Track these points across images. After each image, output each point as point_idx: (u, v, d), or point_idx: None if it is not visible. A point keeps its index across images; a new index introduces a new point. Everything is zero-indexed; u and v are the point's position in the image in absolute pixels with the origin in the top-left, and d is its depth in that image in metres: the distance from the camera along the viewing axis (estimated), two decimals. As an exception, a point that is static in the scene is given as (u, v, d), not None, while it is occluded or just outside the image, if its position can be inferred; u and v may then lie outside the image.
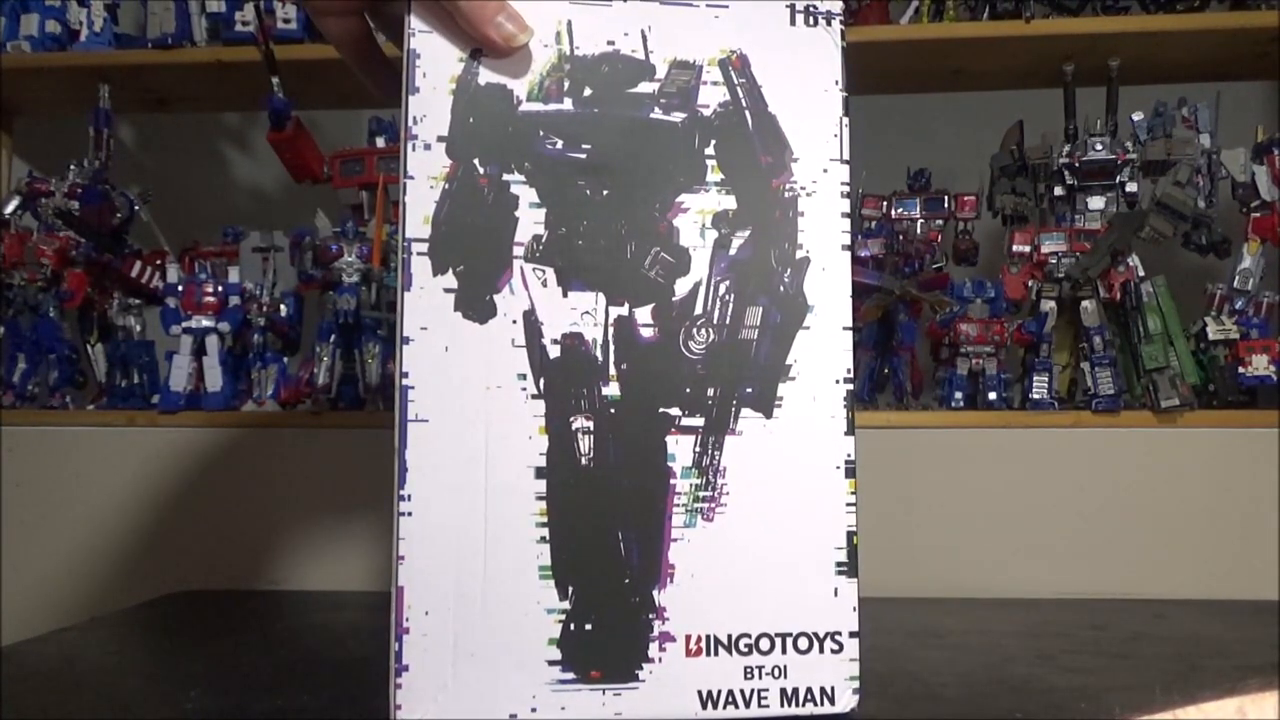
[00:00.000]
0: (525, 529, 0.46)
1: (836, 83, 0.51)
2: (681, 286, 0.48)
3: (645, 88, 0.48)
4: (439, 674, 0.45)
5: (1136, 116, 1.09)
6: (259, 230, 1.15)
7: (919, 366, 1.10)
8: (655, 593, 0.46)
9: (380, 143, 1.10)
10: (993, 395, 1.04)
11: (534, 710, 0.45)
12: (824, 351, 0.49)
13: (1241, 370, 1.02)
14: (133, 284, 1.13)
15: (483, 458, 0.46)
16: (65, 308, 1.13)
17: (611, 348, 0.47)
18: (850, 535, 0.52)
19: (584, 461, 0.46)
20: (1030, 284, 1.07)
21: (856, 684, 0.49)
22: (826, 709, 0.48)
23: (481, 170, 0.47)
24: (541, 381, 0.46)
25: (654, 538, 0.47)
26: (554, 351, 0.47)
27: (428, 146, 0.46)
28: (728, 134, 0.49)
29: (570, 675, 0.46)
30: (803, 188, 0.50)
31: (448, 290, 0.46)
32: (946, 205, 1.12)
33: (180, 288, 1.08)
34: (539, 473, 0.46)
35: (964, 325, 1.05)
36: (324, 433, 1.05)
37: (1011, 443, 1.01)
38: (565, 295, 0.47)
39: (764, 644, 0.48)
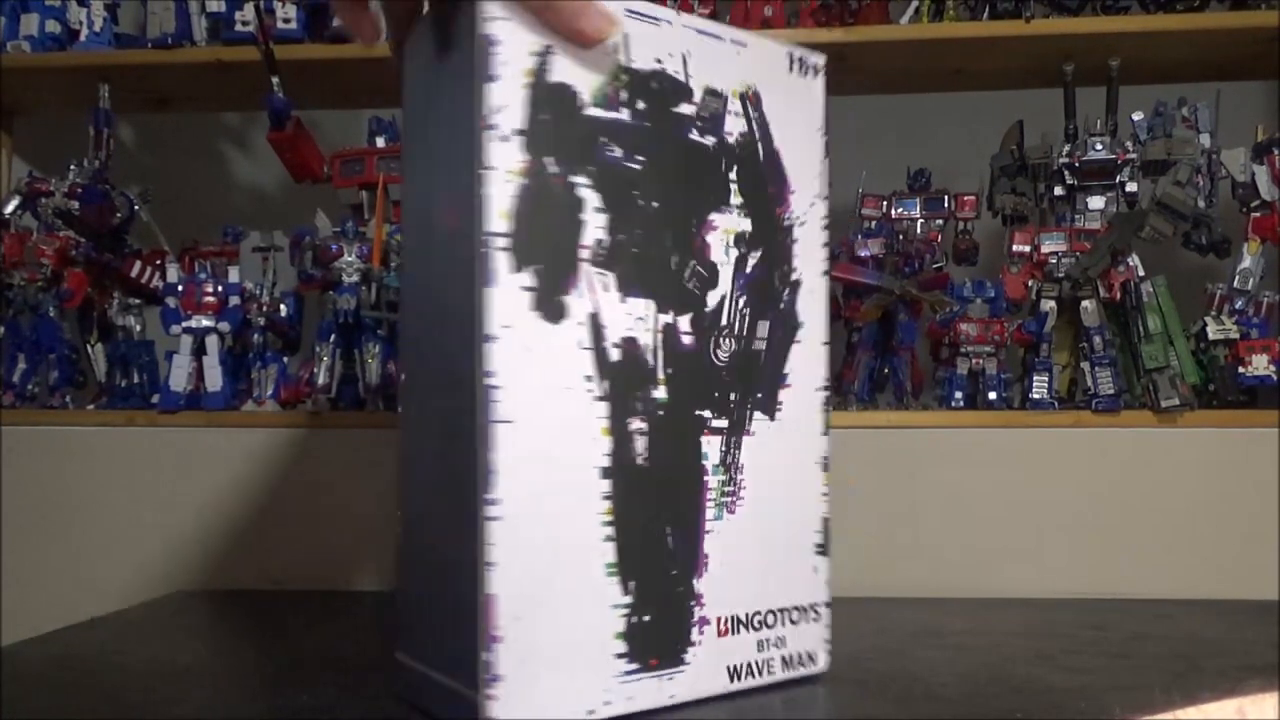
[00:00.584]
0: (594, 528, 0.47)
1: (820, 128, 0.58)
2: (711, 299, 0.53)
3: (685, 109, 0.52)
4: (529, 680, 0.45)
5: (1136, 116, 1.09)
6: (259, 230, 1.15)
7: (919, 366, 1.10)
8: (695, 581, 0.51)
9: (380, 143, 1.10)
10: (993, 395, 1.04)
11: (608, 704, 0.48)
12: (810, 363, 0.57)
13: (1241, 370, 1.02)
14: (133, 284, 1.13)
15: (559, 459, 0.46)
16: (65, 307, 1.13)
17: (660, 353, 0.51)
18: (825, 520, 0.58)
19: (640, 461, 0.49)
20: (1030, 284, 1.07)
21: (828, 646, 0.58)
22: (810, 669, 0.57)
23: (554, 170, 0.47)
24: (606, 384, 0.48)
25: (693, 531, 0.52)
26: (615, 355, 0.49)
27: (505, 139, 0.45)
28: (745, 162, 0.54)
29: (635, 666, 0.49)
30: (797, 218, 0.57)
31: (525, 289, 0.45)
32: (946, 205, 1.12)
33: (180, 287, 1.08)
34: (604, 473, 0.48)
35: (964, 325, 1.05)
36: (324, 433, 1.05)
37: (1011, 443, 1.01)
38: (624, 300, 0.49)
39: (770, 619, 0.55)
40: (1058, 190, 1.10)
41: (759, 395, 0.54)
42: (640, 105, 0.50)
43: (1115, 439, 1.01)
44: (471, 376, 0.45)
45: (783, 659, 0.56)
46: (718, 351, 0.53)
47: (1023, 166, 1.10)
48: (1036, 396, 1.03)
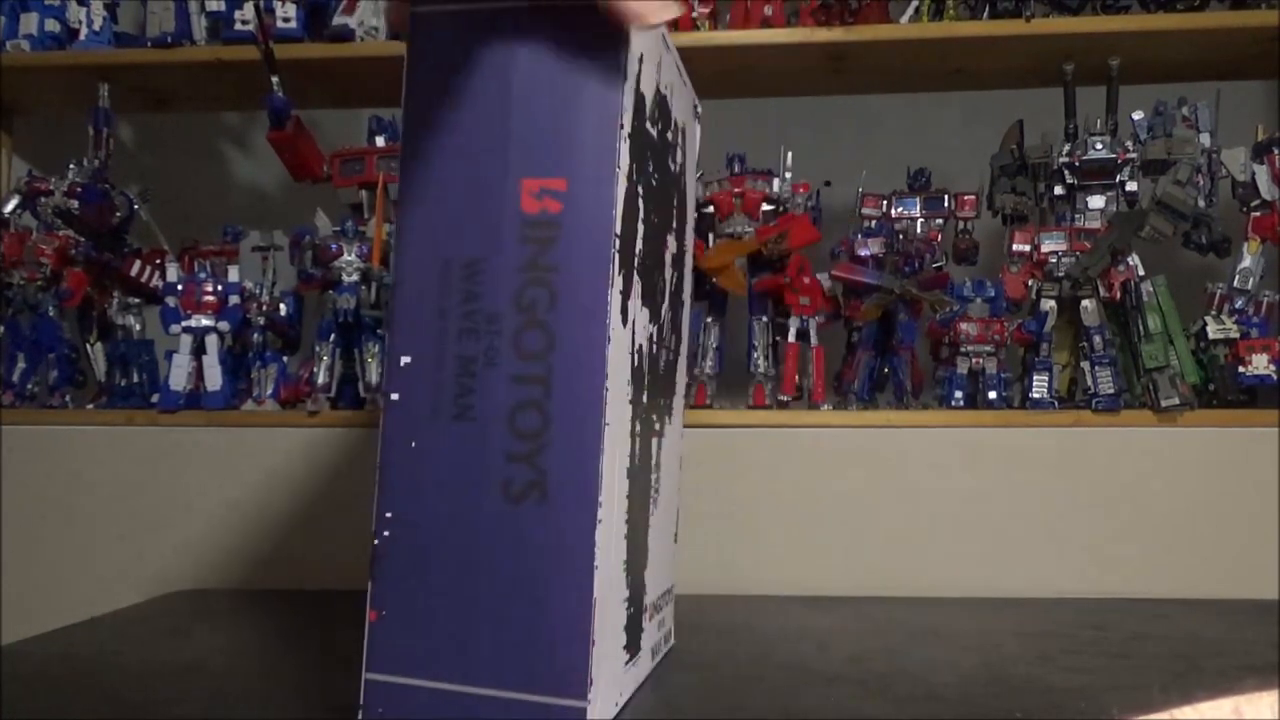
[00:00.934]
0: (620, 527, 0.49)
1: (695, 169, 0.65)
2: (664, 310, 0.56)
3: (670, 136, 0.55)
4: (601, 682, 0.46)
5: (1137, 116, 1.09)
6: (259, 229, 1.15)
7: (919, 366, 1.10)
8: (645, 572, 0.54)
9: (380, 142, 1.10)
10: (993, 395, 1.04)
11: (621, 694, 0.50)
12: (681, 373, 0.65)
13: (1241, 369, 1.02)
14: (132, 283, 1.13)
15: (619, 459, 0.48)
16: (65, 307, 1.13)
17: (648, 360, 0.53)
18: (677, 510, 0.64)
19: (637, 462, 0.52)
20: (1030, 283, 1.07)
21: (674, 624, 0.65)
22: (670, 644, 0.64)
23: (636, 178, 0.48)
24: (631, 388, 0.50)
25: (645, 525, 0.55)
26: (636, 359, 0.50)
27: (625, 141, 0.46)
28: (681, 191, 0.59)
29: (629, 656, 0.51)
30: (686, 246, 0.63)
31: (620, 292, 0.46)
32: (946, 204, 1.12)
33: (180, 287, 1.08)
34: (628, 473, 0.50)
35: (964, 325, 1.05)
36: (324, 432, 1.05)
37: (1011, 442, 1.01)
38: (643, 307, 0.51)
39: (662, 601, 0.60)
40: (1058, 190, 1.10)
41: (669, 400, 0.59)
42: (660, 125, 0.53)
43: (1115, 439, 1.01)
44: (548, 372, 0.45)
45: (664, 636, 0.63)
46: (660, 360, 0.57)
47: (1023, 166, 1.10)
48: (1036, 396, 1.03)
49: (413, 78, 0.50)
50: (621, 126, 0.46)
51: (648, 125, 0.50)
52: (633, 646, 0.53)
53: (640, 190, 0.49)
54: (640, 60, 0.48)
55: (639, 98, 0.48)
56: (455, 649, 0.46)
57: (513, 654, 0.45)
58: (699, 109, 0.66)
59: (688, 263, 0.64)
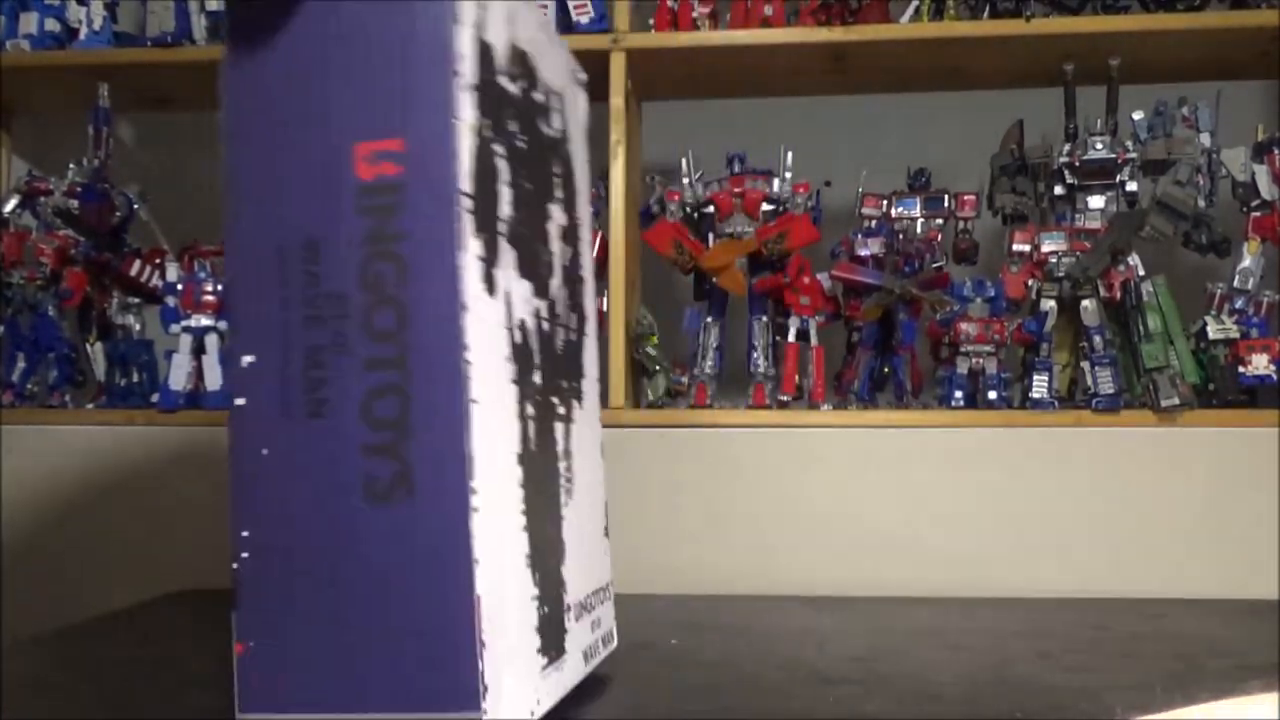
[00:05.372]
0: (516, 518, 0.44)
1: (585, 137, 0.61)
2: (552, 288, 0.52)
3: (538, 96, 0.51)
4: (501, 688, 0.40)
5: (1137, 116, 1.09)
6: (259, 229, 1.14)
7: (919, 366, 1.10)
8: (562, 568, 0.49)
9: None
10: (993, 395, 1.04)
11: (538, 703, 0.44)
12: (589, 354, 0.60)
13: (1241, 369, 1.02)
14: (132, 283, 1.13)
15: (503, 443, 0.43)
16: (64, 306, 1.13)
17: (536, 338, 0.48)
18: (606, 505, 0.58)
19: (531, 448, 0.46)
20: (1030, 283, 1.07)
21: (615, 623, 0.60)
22: (611, 647, 0.58)
23: (489, 134, 0.43)
24: (514, 367, 0.45)
25: (557, 517, 0.50)
26: (517, 336, 0.45)
27: (467, 91, 0.42)
28: (563, 159, 0.56)
29: (546, 660, 0.46)
30: (582, 219, 0.59)
31: (480, 258, 0.42)
32: (946, 204, 1.12)
33: (180, 286, 1.08)
34: (519, 459, 0.44)
35: (964, 325, 1.05)
36: (324, 432, 1.04)
37: (1011, 442, 1.01)
38: (521, 279, 0.46)
39: (593, 600, 0.55)
40: (1058, 190, 1.10)
41: (575, 383, 0.55)
42: (523, 83, 0.48)
43: (1115, 438, 1.00)
44: (403, 351, 0.40)
45: (601, 639, 0.56)
46: (556, 339, 0.52)
47: (1023, 166, 1.10)
48: (1036, 396, 1.03)
49: (231, 44, 0.46)
50: (458, 74, 0.41)
51: (502, 79, 0.46)
52: (552, 649, 0.47)
53: (499, 150, 0.45)
54: (483, 7, 0.43)
55: (483, 47, 0.43)
56: (335, 674, 0.41)
57: (398, 670, 0.40)
58: (582, 76, 0.61)
59: (585, 238, 0.59)
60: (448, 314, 0.40)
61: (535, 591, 0.45)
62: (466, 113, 0.41)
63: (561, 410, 0.51)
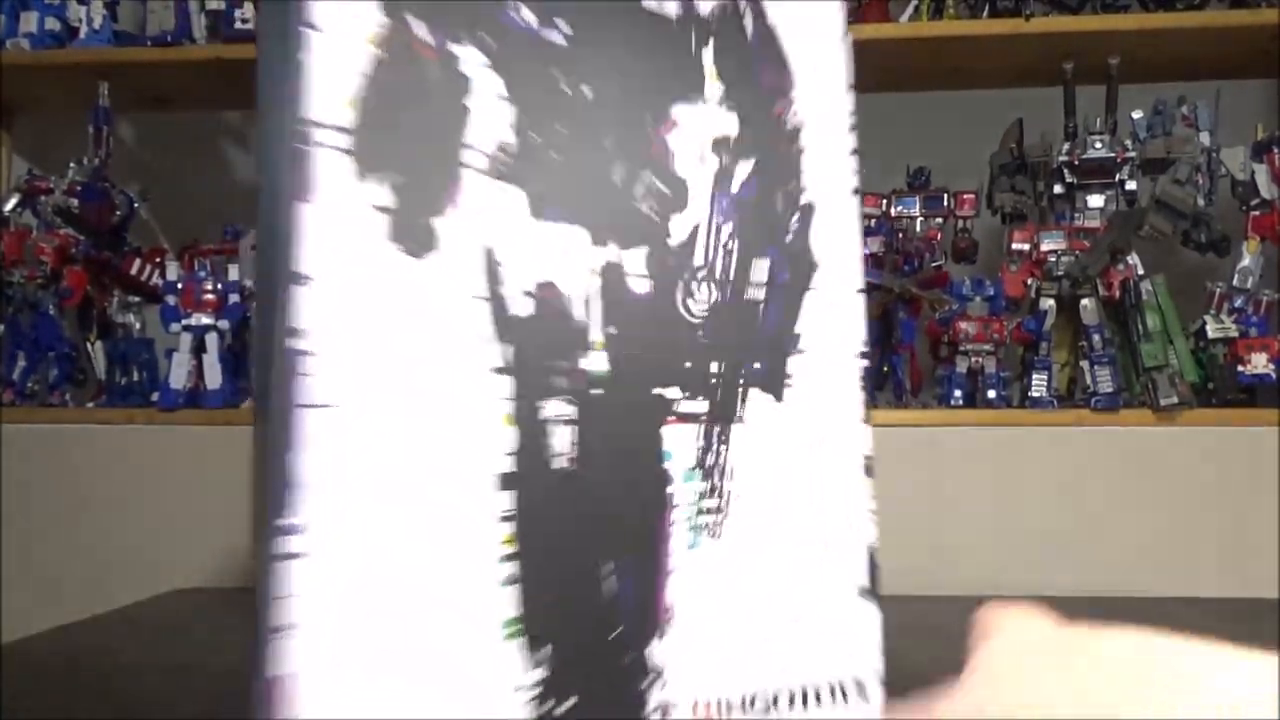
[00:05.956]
0: (484, 565, 0.30)
1: None
2: (678, 227, 0.35)
3: None
4: None
5: (1136, 114, 1.09)
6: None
7: (918, 365, 1.10)
8: (650, 647, 0.33)
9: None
10: (992, 393, 1.04)
11: None
12: (835, 319, 0.38)
13: (1241, 368, 1.02)
14: (132, 282, 1.13)
15: (422, 464, 0.29)
16: (65, 305, 1.13)
17: (596, 304, 0.33)
18: (872, 553, 0.37)
19: (561, 463, 0.32)
20: (1029, 282, 1.07)
21: None
22: None
23: (422, 35, 0.31)
24: (510, 349, 0.31)
25: (648, 567, 0.33)
26: (524, 307, 0.32)
27: None
28: (726, 38, 0.38)
29: None
30: (806, 118, 0.41)
31: (380, 209, 0.29)
32: (946, 203, 1.12)
33: (180, 285, 1.08)
34: (505, 481, 0.31)
35: (963, 323, 1.05)
36: (324, 431, 1.05)
37: (1011, 441, 1.01)
38: (537, 228, 0.33)
39: (782, 702, 0.35)
40: (1057, 188, 1.10)
41: (756, 365, 0.36)
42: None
43: (1114, 437, 1.01)
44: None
45: None
46: (689, 302, 0.36)
47: (1022, 165, 1.10)
48: (1036, 395, 1.03)
49: None
50: None
51: None
52: None
53: (447, 52, 0.32)
54: None
55: None
56: None
57: None
58: None
59: (799, 146, 0.41)
60: (284, 285, 0.29)
61: (533, 674, 0.31)
62: (333, 19, 0.29)
63: (694, 406, 0.37)
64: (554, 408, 0.32)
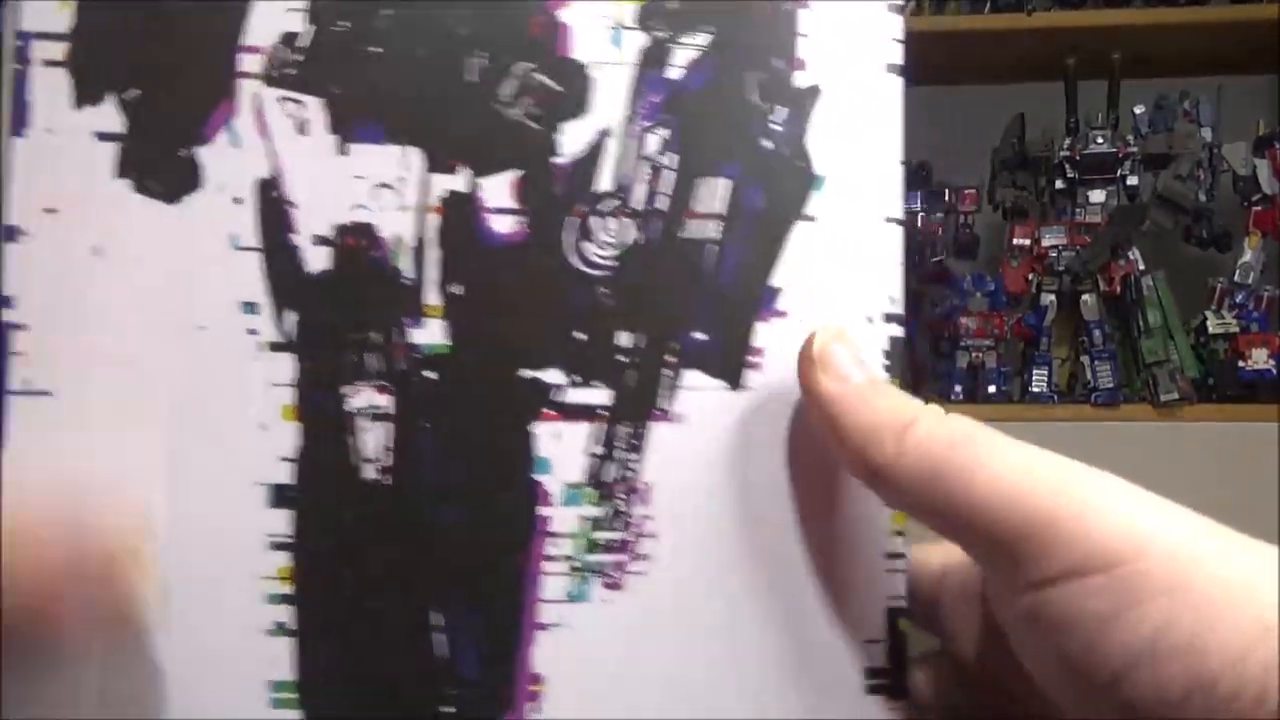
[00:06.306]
0: (246, 610, 0.23)
1: None
2: (573, 138, 0.25)
3: None
4: None
5: (1138, 110, 1.09)
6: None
7: (919, 359, 1.10)
8: None
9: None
10: (992, 388, 1.04)
11: None
12: (847, 264, 0.24)
13: (1241, 364, 1.02)
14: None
15: (163, 469, 0.23)
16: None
17: (434, 254, 0.25)
18: (893, 615, 0.23)
19: (369, 474, 0.24)
20: (1030, 277, 1.07)
21: None
22: None
23: None
24: (292, 317, 0.24)
25: (502, 625, 0.24)
26: (318, 259, 0.24)
27: None
28: None
29: None
30: None
31: (105, 137, 0.23)
32: (947, 198, 1.12)
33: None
34: (278, 497, 0.24)
35: (964, 318, 1.05)
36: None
37: (1010, 437, 1.01)
38: (344, 151, 0.24)
39: None
40: (1058, 184, 1.09)
41: (698, 336, 0.24)
42: None
43: (1115, 433, 1.01)
44: None
45: None
46: (584, 246, 0.25)
47: (1024, 160, 1.10)
48: (1036, 390, 1.03)
49: None
50: None
51: None
52: None
53: None
54: None
55: None
56: None
57: None
58: None
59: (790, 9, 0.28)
60: None
61: None
62: None
63: (589, 395, 0.27)
64: (362, 398, 0.24)
